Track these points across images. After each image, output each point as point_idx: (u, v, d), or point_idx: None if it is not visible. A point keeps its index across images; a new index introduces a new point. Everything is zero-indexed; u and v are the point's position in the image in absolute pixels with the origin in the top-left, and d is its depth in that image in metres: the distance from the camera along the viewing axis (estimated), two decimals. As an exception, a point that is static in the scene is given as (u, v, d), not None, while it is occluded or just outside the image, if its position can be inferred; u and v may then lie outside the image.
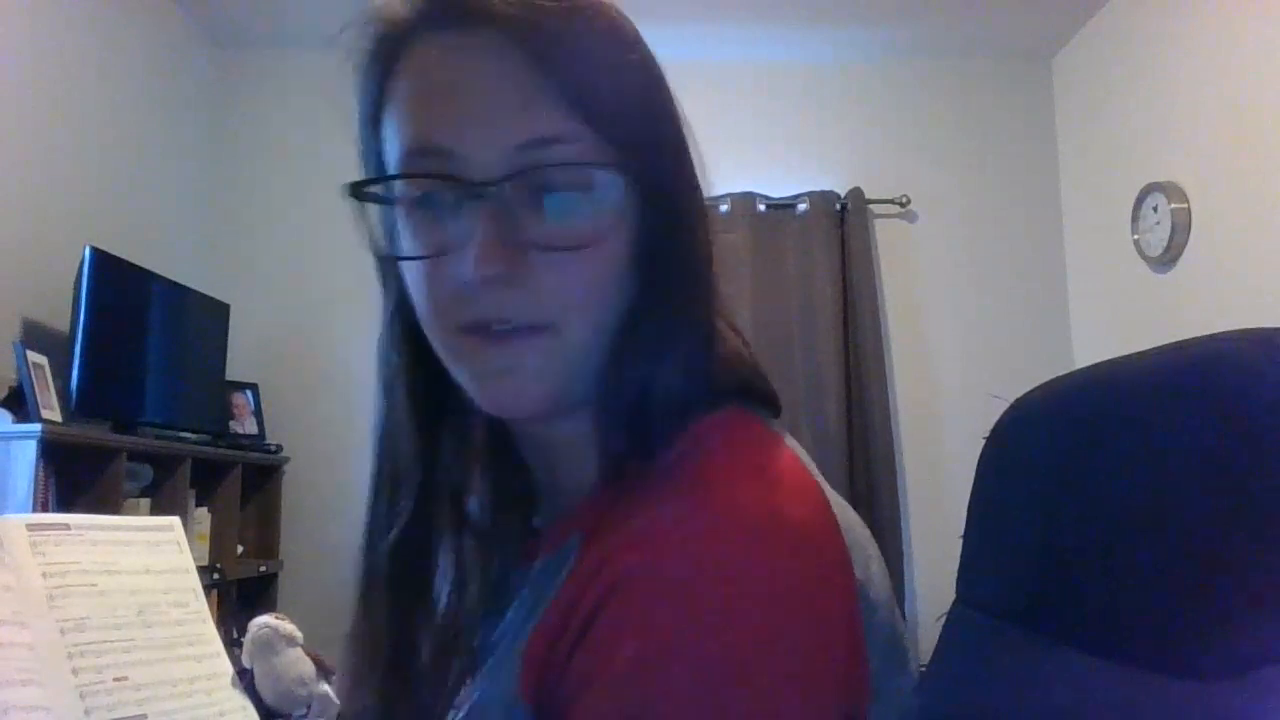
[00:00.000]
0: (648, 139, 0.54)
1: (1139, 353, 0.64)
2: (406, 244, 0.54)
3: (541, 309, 0.51)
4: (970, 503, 0.75)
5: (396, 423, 0.61)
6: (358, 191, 0.58)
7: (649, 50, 0.57)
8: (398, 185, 0.54)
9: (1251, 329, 0.58)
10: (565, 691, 0.46)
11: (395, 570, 0.61)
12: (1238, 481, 0.55)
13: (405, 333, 0.59)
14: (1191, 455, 0.57)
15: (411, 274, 0.55)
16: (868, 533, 0.53)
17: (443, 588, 0.63)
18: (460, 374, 0.55)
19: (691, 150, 0.59)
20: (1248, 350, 0.57)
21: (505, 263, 0.50)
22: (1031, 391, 0.71)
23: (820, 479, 0.53)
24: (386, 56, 0.56)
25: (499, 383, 0.53)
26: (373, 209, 0.59)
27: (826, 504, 0.50)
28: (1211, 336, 0.60)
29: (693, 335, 0.54)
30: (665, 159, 0.56)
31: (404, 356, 0.60)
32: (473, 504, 0.64)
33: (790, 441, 0.55)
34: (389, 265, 0.60)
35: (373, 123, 0.58)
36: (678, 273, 0.54)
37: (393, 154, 0.54)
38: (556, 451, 0.59)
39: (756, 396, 0.57)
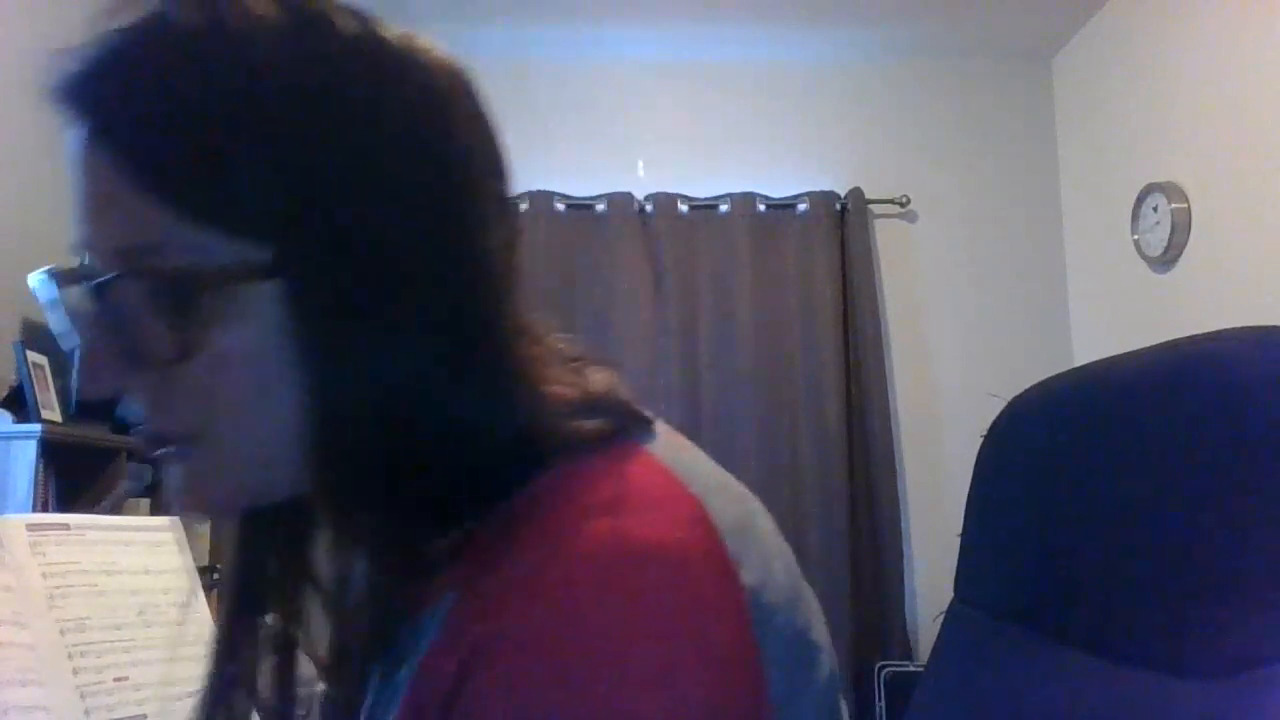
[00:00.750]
0: (311, 216, 0.45)
1: (1134, 351, 0.64)
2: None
3: (166, 422, 0.49)
4: (968, 501, 0.75)
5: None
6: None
7: (276, 74, 0.45)
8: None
9: (1247, 327, 0.58)
10: None
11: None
12: (1232, 481, 0.55)
13: None
14: (1185, 454, 0.57)
15: None
16: (771, 525, 0.51)
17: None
18: None
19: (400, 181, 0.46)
20: (1242, 349, 0.57)
21: (108, 377, 0.48)
22: (1028, 390, 0.71)
23: (704, 479, 0.49)
24: None
25: (168, 492, 0.52)
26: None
27: (696, 514, 0.46)
28: (1206, 335, 0.60)
29: (482, 403, 0.48)
30: (342, 218, 0.45)
31: None
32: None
33: (659, 447, 0.50)
34: None
35: None
36: (424, 342, 0.47)
37: None
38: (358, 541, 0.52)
39: (614, 416, 0.51)
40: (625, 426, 0.50)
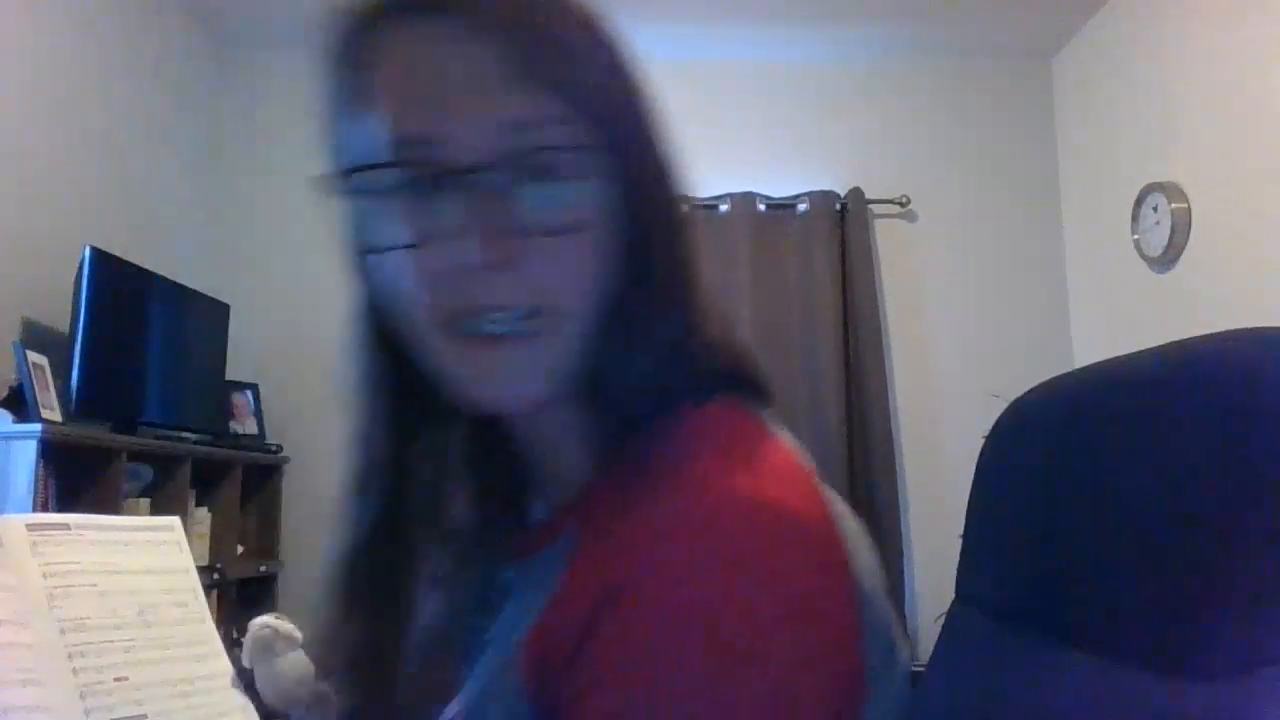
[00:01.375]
0: (623, 121, 0.52)
1: (1138, 352, 0.64)
2: (385, 236, 0.52)
3: (534, 294, 0.50)
4: (970, 502, 0.75)
5: (369, 425, 0.60)
6: (331, 184, 0.55)
7: (614, 28, 0.55)
8: (374, 176, 0.51)
9: (1253, 329, 0.58)
10: (567, 694, 0.45)
11: (371, 576, 0.60)
12: (1235, 482, 0.55)
13: (376, 331, 0.59)
14: (1188, 455, 0.57)
15: (388, 267, 0.53)
16: (858, 524, 0.53)
17: (425, 590, 0.62)
18: (447, 374, 0.53)
19: (666, 138, 0.56)
20: (1248, 350, 0.57)
21: (493, 249, 0.48)
22: (1031, 390, 0.71)
23: (812, 469, 0.52)
24: (358, 48, 0.52)
25: (490, 384, 0.51)
26: (344, 203, 0.57)
27: (820, 494, 0.50)
28: (1210, 336, 0.60)
29: (677, 323, 0.54)
30: (645, 146, 0.54)
31: (375, 356, 0.60)
32: (457, 504, 0.63)
33: (781, 432, 0.54)
34: (357, 263, 0.59)
35: (344, 115, 0.54)
36: (660, 260, 0.53)
37: (369, 145, 0.51)
38: (545, 442, 0.58)
39: (747, 386, 0.56)
40: (754, 392, 0.54)
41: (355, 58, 0.52)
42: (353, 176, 0.53)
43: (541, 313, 0.50)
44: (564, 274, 0.50)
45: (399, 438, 0.60)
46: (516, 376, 0.51)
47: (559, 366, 0.52)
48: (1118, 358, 0.65)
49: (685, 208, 0.56)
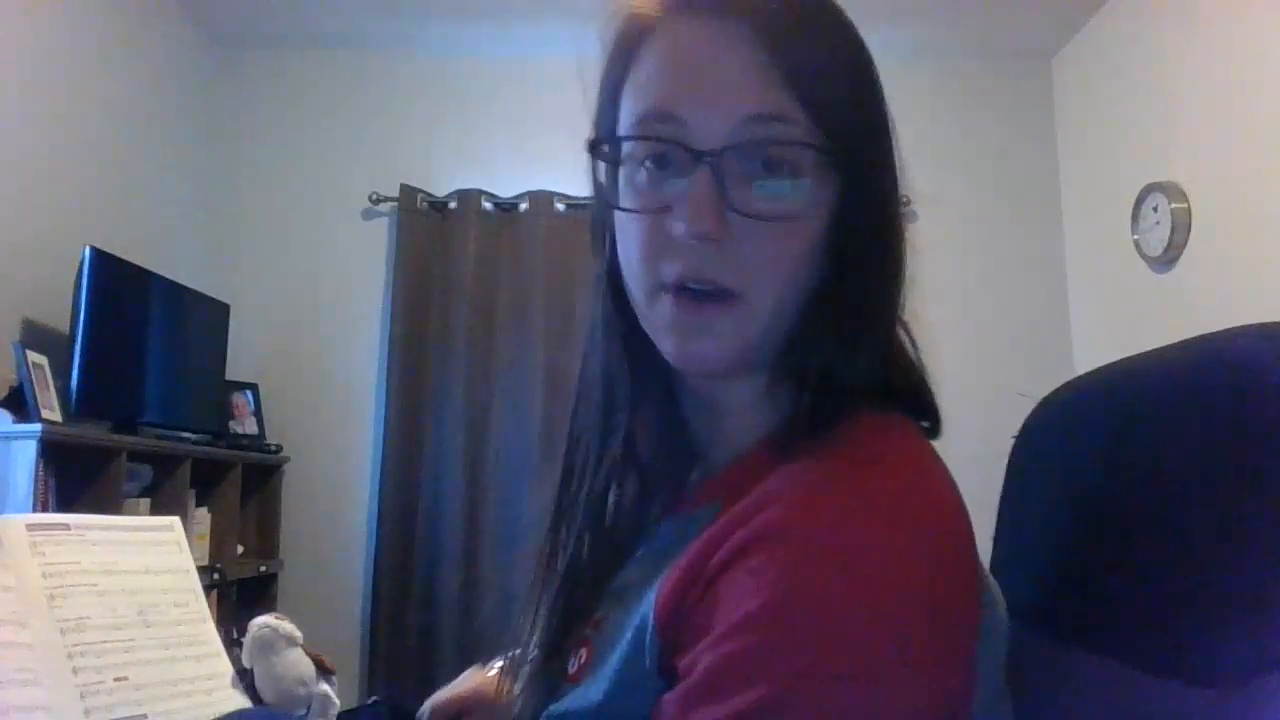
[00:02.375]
0: (858, 130, 0.58)
1: (1157, 349, 0.63)
2: (628, 201, 0.59)
3: (735, 273, 0.55)
4: (1000, 504, 0.75)
5: (603, 366, 0.66)
6: (594, 149, 0.63)
7: (866, 46, 0.61)
8: (628, 147, 0.59)
9: (1258, 324, 0.58)
10: (695, 628, 0.50)
11: (595, 503, 0.66)
12: (1241, 482, 0.55)
13: (612, 288, 0.64)
14: (1193, 455, 0.57)
15: (626, 230, 0.60)
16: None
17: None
18: (654, 327, 0.59)
19: (895, 148, 0.60)
20: (1254, 346, 0.57)
21: (711, 222, 0.54)
22: (1057, 390, 0.71)
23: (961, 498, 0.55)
24: (634, 39, 0.60)
25: (688, 340, 0.57)
26: (602, 170, 0.63)
27: (966, 517, 0.53)
28: (1215, 334, 0.59)
29: (876, 327, 0.59)
30: (872, 151, 0.59)
31: (611, 308, 0.65)
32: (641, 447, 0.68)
33: (939, 458, 0.57)
34: (603, 229, 0.65)
35: (613, 96, 0.63)
36: (869, 263, 0.58)
37: (629, 119, 0.59)
38: (722, 412, 0.63)
39: (922, 408, 0.61)
40: (926, 419, 0.60)
41: (630, 48, 0.61)
42: (611, 145, 0.61)
43: (737, 294, 0.56)
44: (767, 259, 0.55)
45: (630, 380, 0.65)
46: (712, 338, 0.57)
47: (750, 339, 0.57)
48: (1138, 354, 0.64)
49: (901, 220, 0.60)
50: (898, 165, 0.60)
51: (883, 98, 0.61)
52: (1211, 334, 0.60)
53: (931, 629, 0.48)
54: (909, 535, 0.49)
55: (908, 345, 0.63)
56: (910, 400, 0.60)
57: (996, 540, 0.73)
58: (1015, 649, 0.60)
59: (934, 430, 0.62)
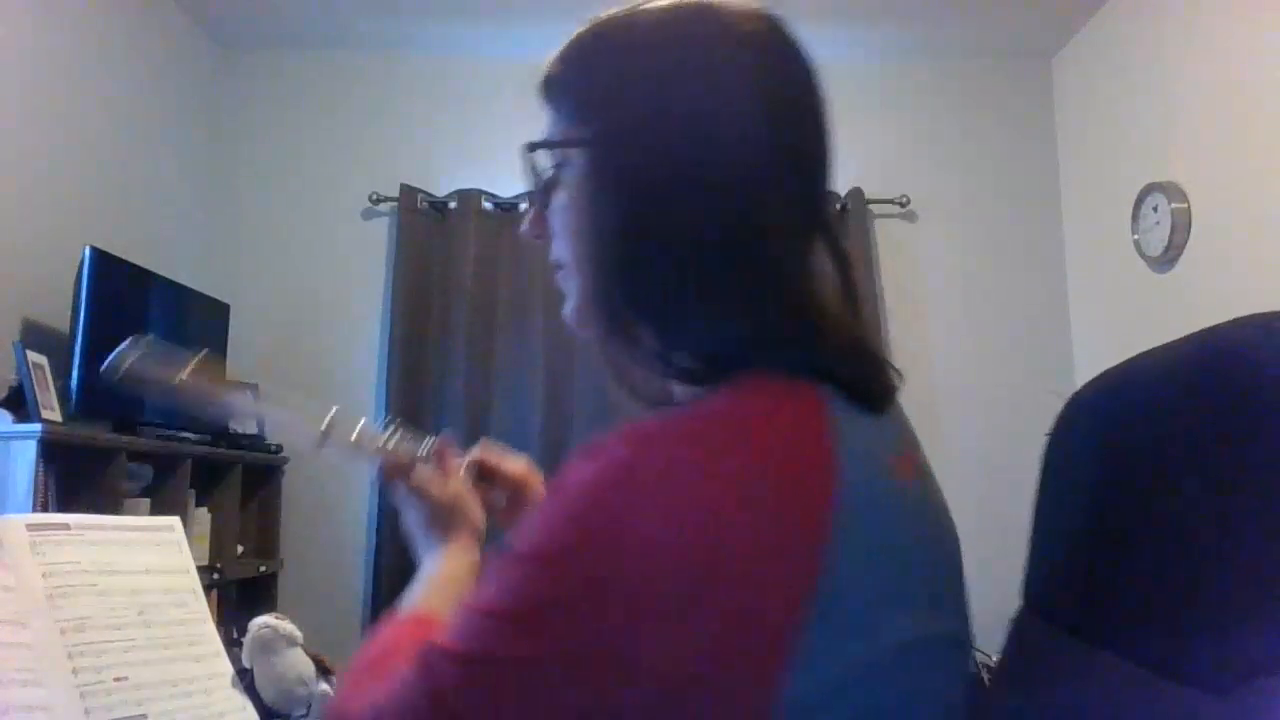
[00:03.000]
0: (618, 128, 0.63)
1: (1164, 345, 0.63)
2: None
3: (558, 255, 0.68)
4: (1034, 504, 0.75)
5: None
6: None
7: (629, 48, 0.65)
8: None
9: (1251, 316, 0.58)
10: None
11: None
12: (1236, 475, 0.55)
13: None
14: (1193, 451, 0.57)
15: None
16: (925, 503, 0.61)
17: None
18: None
19: (686, 138, 0.62)
20: (1248, 337, 0.57)
21: (529, 226, 0.70)
22: (1084, 386, 0.71)
23: (863, 444, 0.57)
24: None
25: (564, 304, 0.69)
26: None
27: (819, 452, 0.55)
28: (1215, 327, 0.59)
29: (691, 298, 0.61)
30: (639, 144, 0.62)
31: None
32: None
33: (837, 415, 0.57)
34: None
35: None
36: (637, 241, 0.62)
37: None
38: (616, 373, 0.70)
39: (836, 377, 0.59)
40: (813, 370, 0.59)
41: None
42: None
43: (564, 261, 0.68)
44: (565, 241, 0.67)
45: None
46: (569, 299, 0.68)
47: (584, 308, 0.66)
48: (1154, 349, 0.64)
49: (709, 199, 0.61)
50: (677, 145, 0.61)
51: (646, 92, 0.62)
52: (1212, 327, 0.60)
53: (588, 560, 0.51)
54: (700, 468, 0.52)
55: (835, 318, 0.63)
56: (816, 365, 0.59)
57: (1030, 541, 0.73)
58: (1034, 643, 0.60)
59: (870, 400, 0.61)
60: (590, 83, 0.65)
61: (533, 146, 0.67)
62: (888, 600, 0.55)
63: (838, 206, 3.42)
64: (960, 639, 0.62)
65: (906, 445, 0.64)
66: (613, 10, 0.66)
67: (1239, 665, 0.53)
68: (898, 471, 0.60)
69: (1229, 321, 0.59)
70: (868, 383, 0.61)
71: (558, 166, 0.66)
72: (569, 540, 0.52)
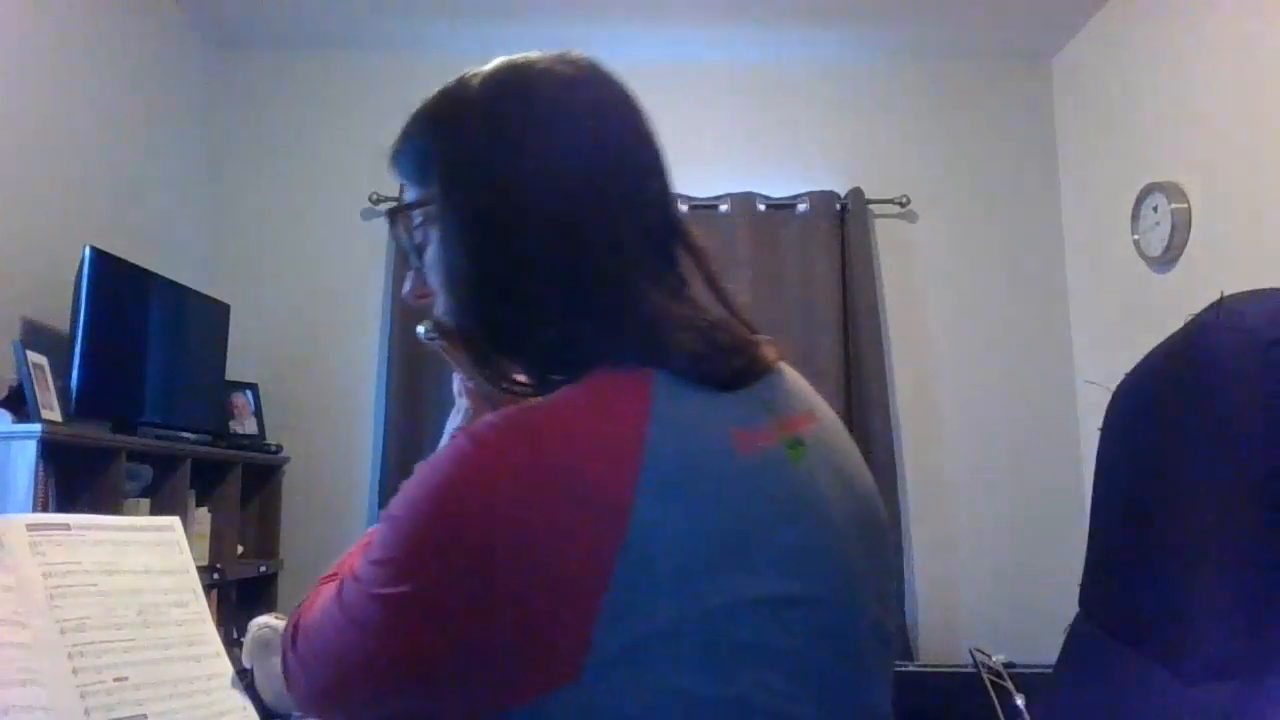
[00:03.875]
0: (437, 187, 0.73)
1: (1182, 327, 0.64)
2: None
3: (433, 306, 0.77)
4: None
5: None
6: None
7: (447, 120, 0.74)
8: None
9: (1221, 298, 0.59)
10: None
11: None
12: (1195, 437, 0.55)
13: None
14: (1164, 418, 0.58)
15: None
16: (731, 472, 0.63)
17: None
18: None
19: (509, 185, 0.71)
20: (1208, 319, 0.58)
21: (416, 288, 0.79)
22: (1128, 374, 0.71)
23: (683, 421, 0.63)
24: None
25: None
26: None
27: (625, 432, 0.61)
28: (1196, 314, 0.60)
29: (521, 317, 0.71)
30: (448, 196, 0.72)
31: None
32: None
33: (661, 396, 0.64)
34: None
35: None
36: (467, 277, 0.72)
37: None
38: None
39: (675, 363, 0.66)
40: (653, 359, 0.66)
41: None
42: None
43: (432, 293, 0.76)
44: (440, 295, 0.75)
45: None
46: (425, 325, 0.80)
47: (457, 345, 0.78)
48: (1178, 333, 0.64)
49: (503, 240, 0.71)
50: (499, 194, 0.70)
51: (477, 149, 0.72)
52: (1197, 313, 0.61)
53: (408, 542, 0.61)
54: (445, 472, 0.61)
55: (663, 313, 0.69)
56: (657, 355, 0.67)
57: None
58: (1080, 638, 0.60)
59: (712, 381, 0.67)
60: (431, 150, 0.74)
61: (391, 213, 0.77)
62: (710, 563, 0.59)
63: (838, 206, 3.42)
64: (820, 599, 0.64)
65: (768, 418, 0.68)
66: (442, 85, 0.76)
67: (1213, 661, 0.53)
68: (741, 443, 0.64)
69: (1207, 306, 0.60)
70: (708, 365, 0.67)
71: (420, 228, 0.76)
72: (423, 507, 0.61)
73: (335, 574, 0.75)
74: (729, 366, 0.68)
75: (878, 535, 0.73)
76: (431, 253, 0.75)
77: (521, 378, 0.74)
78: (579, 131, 0.71)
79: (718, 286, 0.77)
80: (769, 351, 0.74)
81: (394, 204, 0.81)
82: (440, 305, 0.76)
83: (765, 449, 0.66)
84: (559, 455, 0.60)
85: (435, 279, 0.75)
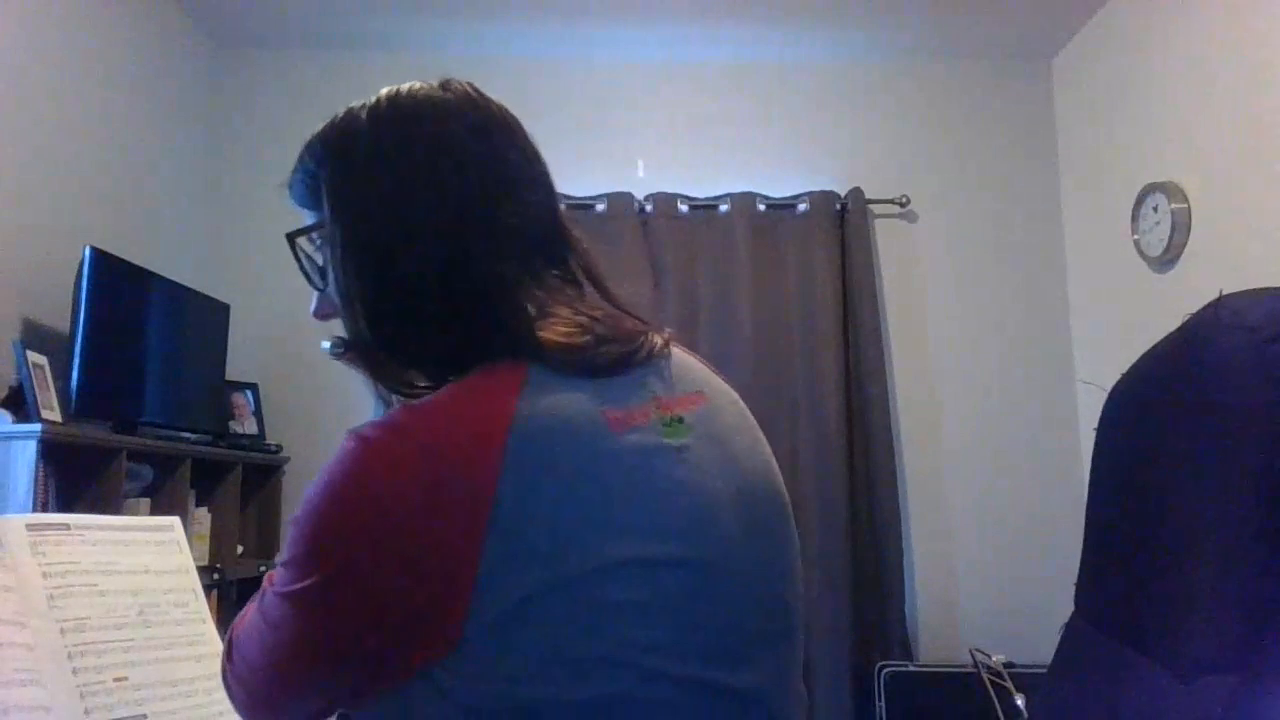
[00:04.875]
0: (329, 209, 0.79)
1: (1174, 331, 0.64)
2: None
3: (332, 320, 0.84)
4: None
5: None
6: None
7: (332, 143, 0.81)
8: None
9: (1215, 299, 0.59)
10: None
11: None
12: (1192, 434, 0.55)
13: None
14: (1183, 441, 0.57)
15: None
16: (608, 457, 0.68)
17: None
18: None
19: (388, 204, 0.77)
20: (1204, 317, 0.58)
21: (322, 307, 0.87)
22: (1120, 379, 0.71)
23: (557, 411, 0.68)
24: None
25: None
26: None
27: (486, 428, 0.66)
28: (1194, 313, 0.61)
29: (421, 325, 0.77)
30: (335, 217, 0.79)
31: None
32: None
33: (539, 378, 0.70)
34: None
35: None
36: (356, 291, 0.78)
37: None
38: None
39: (546, 355, 0.71)
40: (530, 355, 0.72)
41: None
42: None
43: (333, 311, 0.83)
44: (341, 311, 0.82)
45: None
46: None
47: (353, 353, 0.83)
48: (1168, 338, 0.65)
49: (385, 256, 0.77)
50: (384, 213, 0.77)
51: (361, 176, 0.78)
52: (1195, 312, 0.61)
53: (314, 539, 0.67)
54: (340, 478, 0.67)
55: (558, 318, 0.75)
56: (531, 352, 0.72)
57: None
58: (1076, 637, 0.61)
59: (585, 370, 0.72)
60: (321, 177, 0.80)
61: (290, 236, 0.84)
62: (578, 530, 0.64)
63: (838, 206, 3.42)
64: (689, 561, 0.68)
65: (645, 399, 0.73)
66: (330, 119, 0.82)
67: (1197, 658, 0.54)
68: (613, 422, 0.69)
69: (1205, 305, 0.61)
70: (581, 355, 0.72)
71: (319, 251, 0.82)
72: (315, 504, 0.67)
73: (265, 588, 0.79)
74: (604, 355, 0.73)
75: (768, 509, 0.77)
76: (330, 276, 0.81)
77: (421, 382, 0.79)
78: (458, 154, 0.77)
79: (601, 285, 0.83)
80: (656, 339, 0.78)
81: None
82: (343, 317, 0.82)
83: (639, 426, 0.70)
84: (427, 441, 0.66)
85: (337, 297, 0.81)
